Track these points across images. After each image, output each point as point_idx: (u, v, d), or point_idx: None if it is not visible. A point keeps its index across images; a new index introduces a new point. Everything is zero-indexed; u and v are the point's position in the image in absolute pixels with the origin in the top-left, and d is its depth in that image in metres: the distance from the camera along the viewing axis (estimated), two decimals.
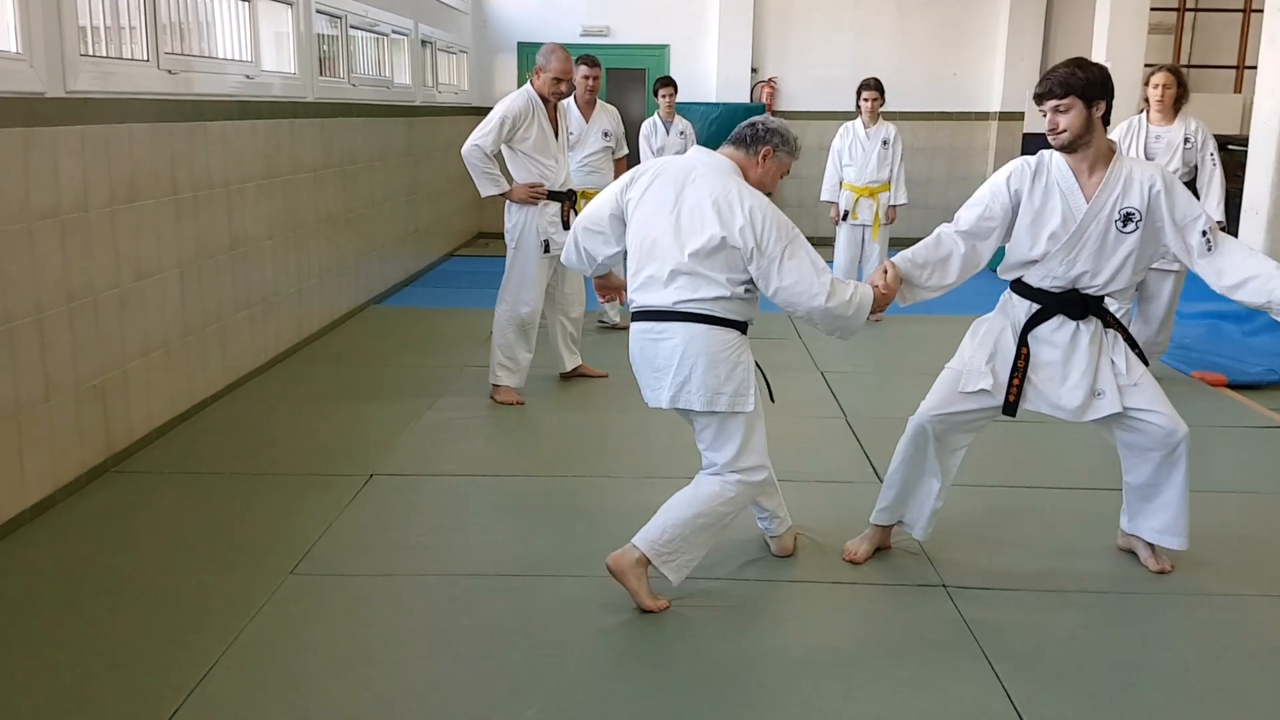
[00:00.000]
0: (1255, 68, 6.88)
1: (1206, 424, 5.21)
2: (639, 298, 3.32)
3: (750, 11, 11.48)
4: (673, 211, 3.23)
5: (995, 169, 11.61)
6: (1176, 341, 6.28)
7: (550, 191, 5.42)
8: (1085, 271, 3.33)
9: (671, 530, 3.25)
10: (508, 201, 5.42)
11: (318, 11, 6.95)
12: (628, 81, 11.69)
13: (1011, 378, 3.41)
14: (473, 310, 7.49)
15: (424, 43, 9.64)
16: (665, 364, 3.24)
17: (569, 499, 4.27)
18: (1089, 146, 3.27)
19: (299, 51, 6.66)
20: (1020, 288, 3.46)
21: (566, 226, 5.50)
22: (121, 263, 4.49)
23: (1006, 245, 3.47)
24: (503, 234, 5.52)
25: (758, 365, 3.34)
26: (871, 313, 3.29)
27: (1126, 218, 3.28)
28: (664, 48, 11.70)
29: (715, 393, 3.21)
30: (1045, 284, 3.39)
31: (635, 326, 3.35)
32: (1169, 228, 3.29)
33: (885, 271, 3.40)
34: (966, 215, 3.44)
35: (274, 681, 2.90)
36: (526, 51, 11.54)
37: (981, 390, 3.45)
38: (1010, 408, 3.44)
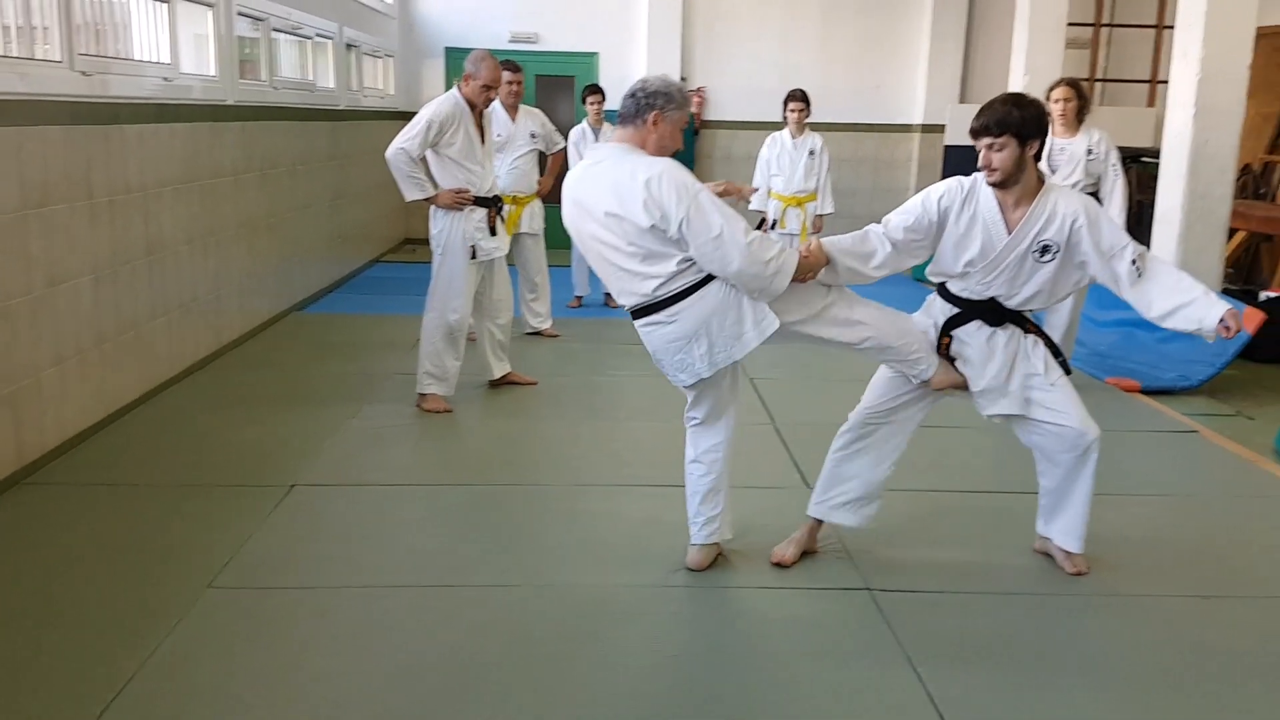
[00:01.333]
0: (1167, 82, 7.09)
1: (1121, 429, 5.35)
2: (623, 301, 3.42)
3: (679, 21, 11.53)
4: (594, 219, 3.29)
5: (919, 180, 11.90)
6: (1091, 348, 6.45)
7: (476, 198, 5.38)
8: (1001, 293, 3.47)
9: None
10: (433, 207, 5.37)
11: (239, 14, 6.83)
12: (557, 89, 11.68)
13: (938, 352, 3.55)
14: (399, 317, 7.40)
15: (349, 46, 9.52)
16: (681, 343, 3.32)
17: (498, 508, 4.24)
18: (1019, 183, 3.36)
19: (219, 54, 6.53)
20: (943, 292, 3.59)
21: (493, 232, 5.47)
22: (33, 269, 4.36)
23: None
24: (429, 240, 5.47)
25: None
26: (797, 278, 3.27)
27: (1044, 249, 3.38)
28: (593, 55, 11.71)
29: (739, 337, 3.28)
30: (965, 294, 3.52)
31: (636, 323, 3.42)
32: (1095, 259, 3.37)
33: (811, 243, 3.42)
34: (896, 222, 3.50)
35: (191, 697, 2.84)
36: (454, 56, 11.46)
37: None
38: (943, 350, 3.54)
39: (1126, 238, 3.40)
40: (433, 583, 3.53)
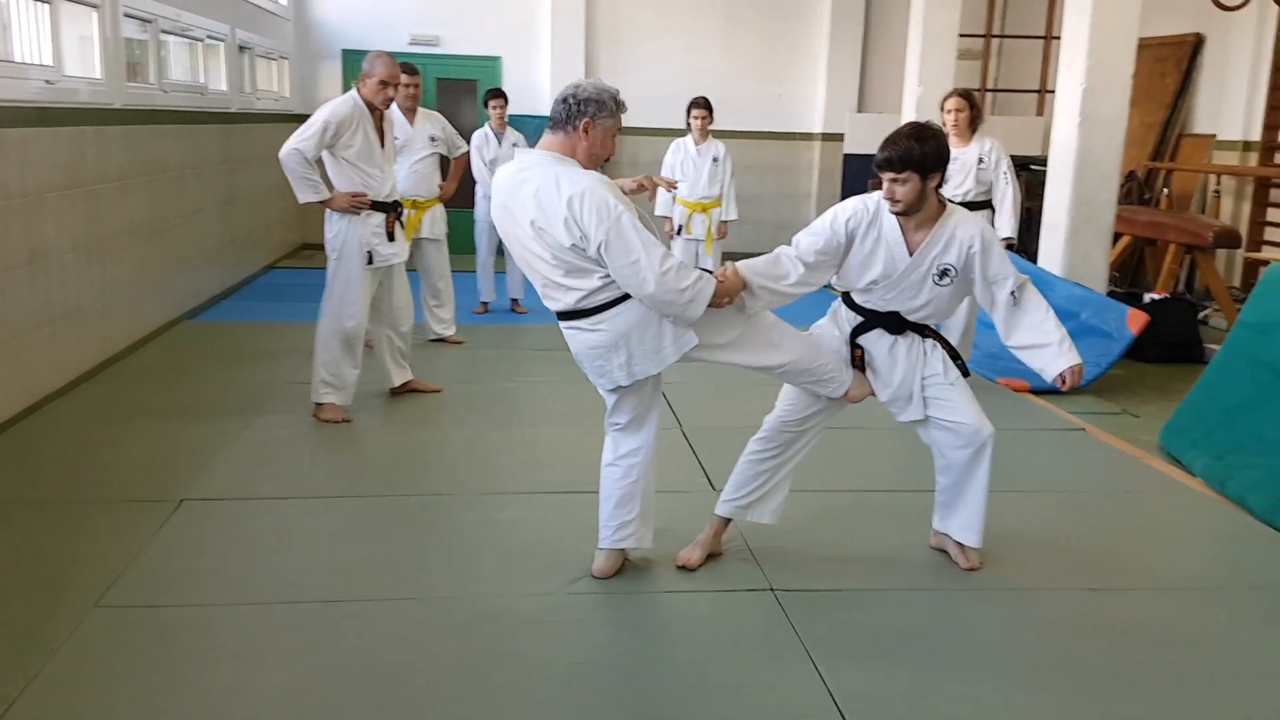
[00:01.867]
0: (1055, 92, 7.33)
1: (1011, 427, 5.49)
2: (548, 304, 3.40)
3: (582, 27, 11.53)
4: (520, 226, 3.28)
5: (820, 186, 12.09)
6: (983, 350, 6.61)
7: (374, 201, 5.28)
8: (901, 309, 3.61)
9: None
10: (329, 210, 5.26)
11: (126, 15, 6.60)
12: (459, 92, 11.57)
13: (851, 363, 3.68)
14: (295, 324, 7.22)
15: (241, 48, 9.29)
16: (601, 350, 3.33)
17: (398, 519, 4.16)
18: (920, 210, 3.47)
19: (105, 56, 6.31)
20: (848, 300, 3.71)
21: (392, 238, 5.38)
22: None
23: None
24: (325, 245, 5.35)
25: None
26: (714, 303, 3.29)
27: (943, 273, 3.52)
28: (496, 59, 11.63)
29: (657, 351, 3.32)
30: (868, 305, 3.65)
31: (561, 324, 3.42)
32: (980, 282, 3.54)
33: (726, 269, 3.44)
34: (806, 244, 3.55)
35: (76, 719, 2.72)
36: (351, 59, 11.27)
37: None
38: (857, 362, 3.67)
39: (1012, 269, 3.55)
40: (327, 598, 3.45)
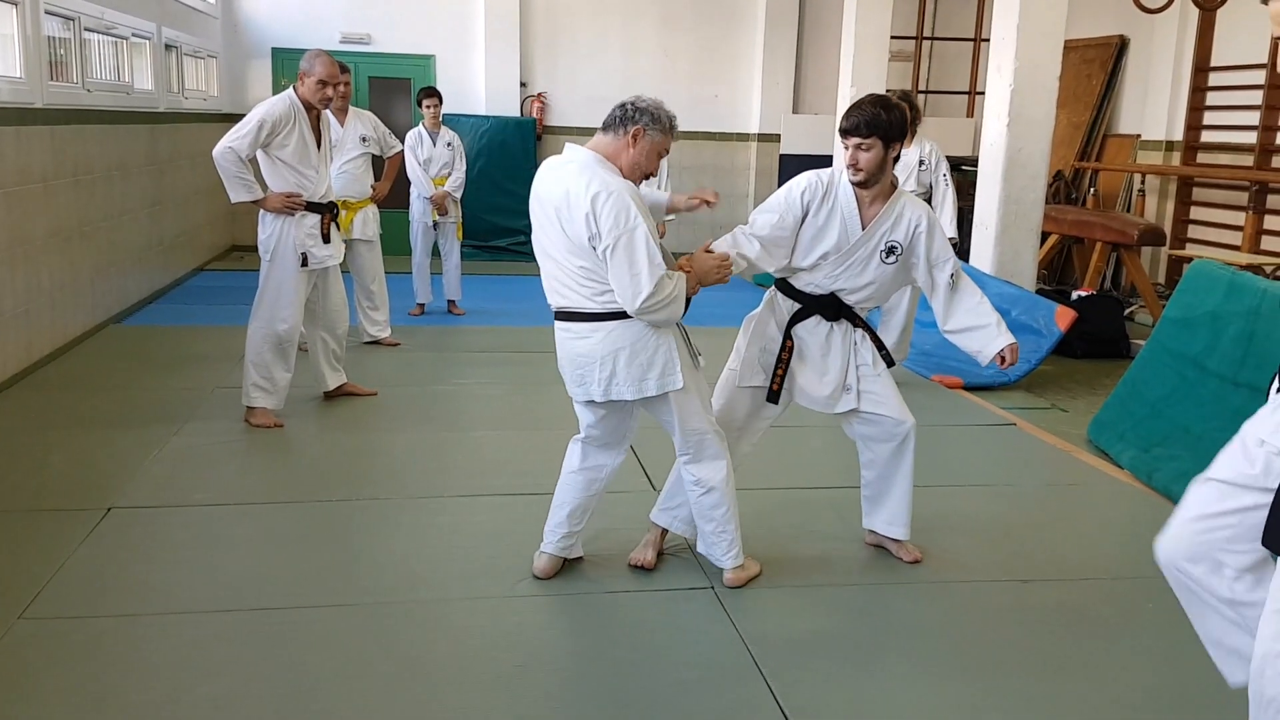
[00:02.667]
0: (984, 93, 7.45)
1: (945, 423, 5.58)
2: (552, 300, 3.37)
3: (516, 26, 11.46)
4: (546, 214, 3.29)
5: (756, 186, 12.16)
6: (918, 348, 6.70)
7: (309, 202, 5.20)
8: (845, 287, 3.64)
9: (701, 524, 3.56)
10: (262, 211, 5.17)
11: (47, 12, 6.43)
12: (392, 91, 11.45)
13: (776, 368, 3.69)
14: (225, 328, 7.09)
15: (168, 46, 9.09)
16: (587, 361, 3.31)
17: (333, 525, 4.10)
18: (878, 183, 3.54)
19: (26, 54, 6.13)
20: (785, 287, 3.73)
21: (326, 240, 5.30)
22: None
23: None
24: (258, 246, 5.26)
25: (684, 329, 3.40)
26: (689, 292, 3.29)
27: (890, 250, 3.59)
28: (429, 58, 11.53)
29: (641, 380, 3.30)
30: (808, 289, 3.68)
31: (556, 325, 3.38)
32: (922, 264, 3.63)
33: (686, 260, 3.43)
34: (763, 221, 3.60)
35: None
36: (281, 57, 11.10)
37: (755, 386, 3.72)
38: (773, 395, 3.70)
39: (951, 252, 3.65)
40: (260, 605, 3.38)
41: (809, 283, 3.66)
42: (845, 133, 3.47)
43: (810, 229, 3.59)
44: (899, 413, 3.70)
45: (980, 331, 3.62)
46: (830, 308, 3.67)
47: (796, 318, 3.69)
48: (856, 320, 3.71)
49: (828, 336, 3.69)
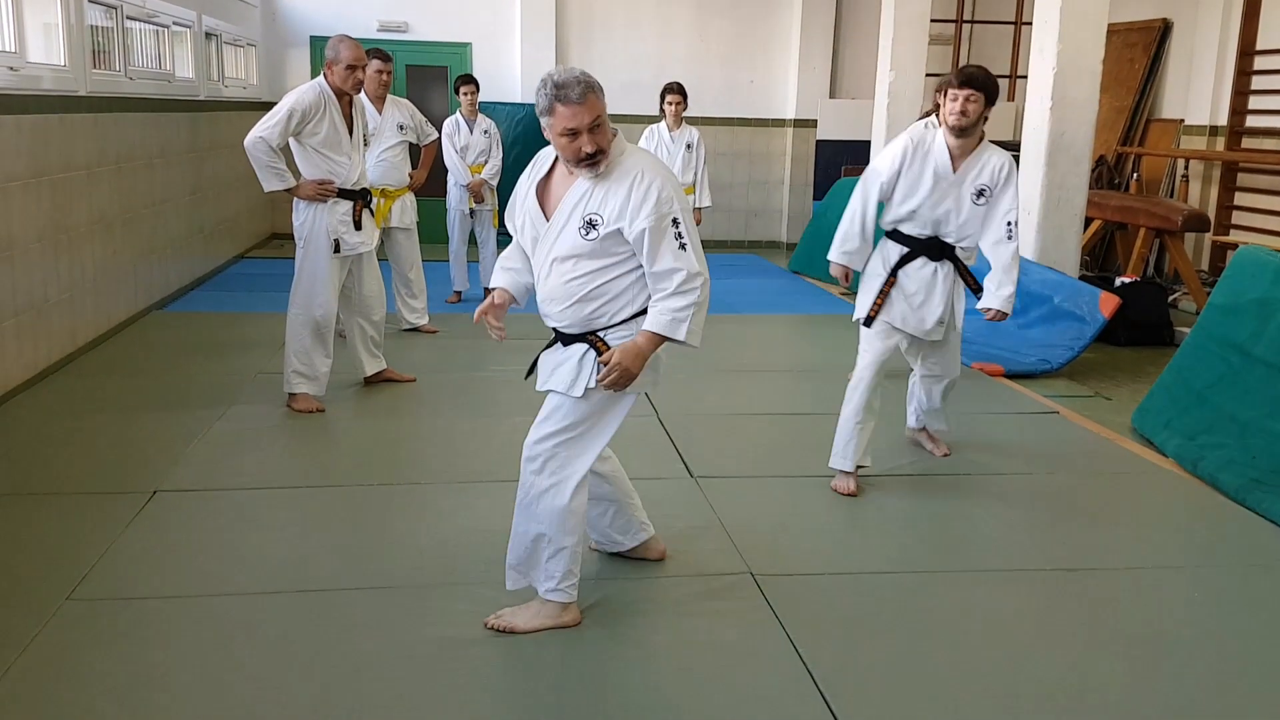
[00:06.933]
0: (1026, 77, 7.35)
1: (986, 411, 5.54)
2: None
3: (552, 13, 11.45)
4: None
5: (792, 173, 12.09)
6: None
7: (341, 189, 5.22)
8: (944, 224, 4.25)
9: None
10: (296, 198, 5.20)
11: (90, 1, 6.49)
12: (429, 79, 11.48)
13: (875, 299, 4.32)
14: (266, 314, 7.16)
15: (208, 35, 9.17)
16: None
17: (373, 509, 4.12)
18: (972, 135, 4.18)
19: (70, 43, 6.20)
20: (894, 235, 4.35)
21: (359, 226, 5.32)
22: None
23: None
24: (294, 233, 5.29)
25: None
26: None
27: (980, 192, 4.22)
28: (466, 46, 11.54)
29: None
30: (913, 232, 4.30)
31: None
32: (995, 207, 4.22)
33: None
34: (888, 176, 4.26)
35: (49, 715, 2.69)
36: (319, 45, 11.15)
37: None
38: (869, 320, 4.33)
39: (1015, 204, 4.23)
40: (303, 587, 3.41)
41: (912, 228, 4.28)
42: (963, 83, 4.07)
43: (906, 179, 4.22)
44: (955, 370, 4.60)
45: (992, 283, 4.29)
46: (935, 249, 4.28)
47: (904, 260, 4.29)
48: (959, 265, 4.30)
49: (933, 275, 4.29)
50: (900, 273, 4.30)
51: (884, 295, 4.31)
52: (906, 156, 4.23)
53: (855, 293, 4.55)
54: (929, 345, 4.52)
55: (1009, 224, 4.21)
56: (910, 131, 4.36)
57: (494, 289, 3.25)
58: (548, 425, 3.12)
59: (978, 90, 4.08)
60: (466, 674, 2.94)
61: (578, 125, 2.83)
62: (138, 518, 3.91)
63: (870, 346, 4.36)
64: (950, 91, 4.14)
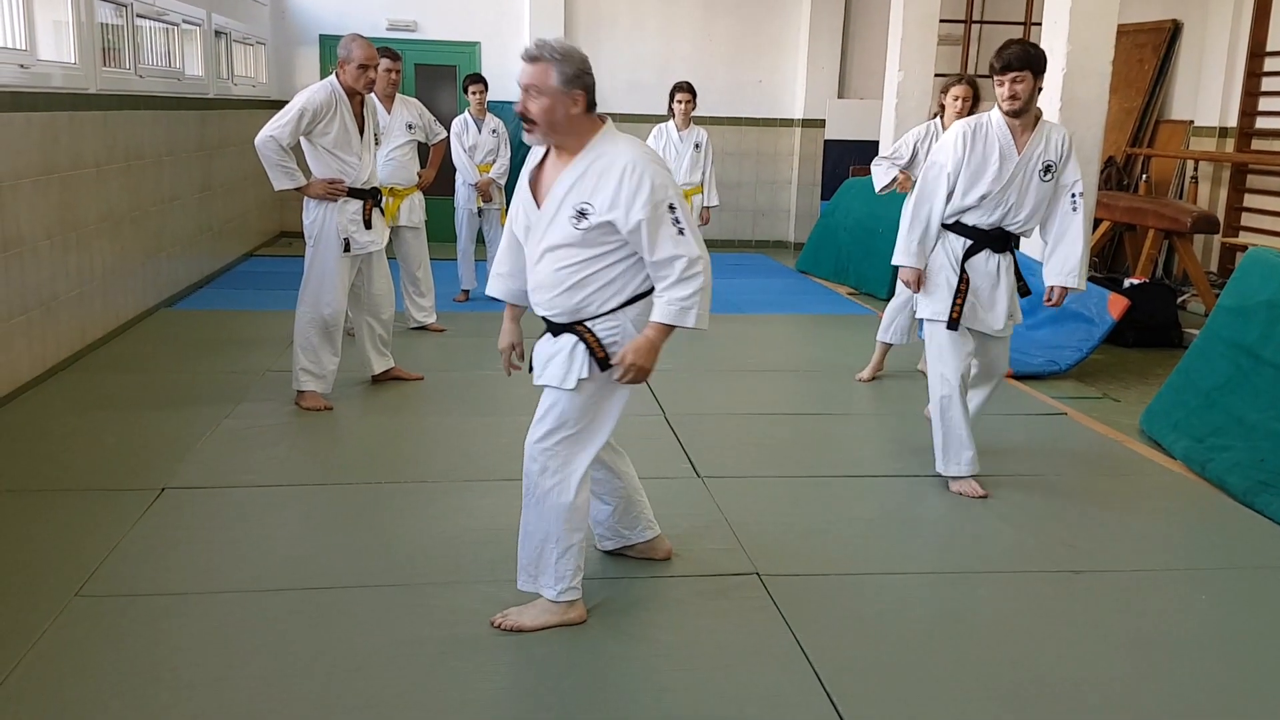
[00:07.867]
0: None
1: (994, 412, 5.51)
2: None
3: (561, 12, 11.46)
4: None
5: (800, 173, 12.08)
6: None
7: (351, 188, 5.24)
8: (1012, 209, 4.19)
9: None
10: (306, 197, 5.21)
11: None
12: (438, 78, 11.50)
13: (955, 299, 4.23)
14: (275, 312, 7.18)
15: (218, 33, 9.19)
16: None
17: (380, 507, 4.13)
18: (1028, 113, 4.13)
19: (79, 40, 6.22)
20: (957, 227, 4.27)
21: (369, 225, 5.34)
22: None
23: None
24: (304, 232, 5.31)
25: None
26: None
27: (1047, 168, 4.18)
28: (474, 45, 11.56)
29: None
30: (977, 222, 4.23)
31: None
32: (1062, 178, 4.20)
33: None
34: (950, 170, 4.20)
35: (57, 710, 2.70)
36: (329, 44, 11.18)
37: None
38: (953, 324, 4.24)
39: (1079, 175, 4.22)
40: (311, 585, 3.42)
41: (976, 218, 4.21)
42: (1003, 70, 4.02)
43: (967, 169, 4.16)
44: (1004, 366, 4.51)
45: (1058, 259, 4.23)
46: (999, 240, 4.23)
47: (969, 254, 4.22)
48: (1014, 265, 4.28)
49: (998, 268, 4.24)
50: (967, 267, 4.24)
51: (963, 295, 4.22)
52: (966, 144, 4.16)
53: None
54: (989, 342, 4.41)
55: (1074, 195, 4.19)
56: (961, 122, 4.29)
57: (497, 298, 3.29)
58: (545, 424, 3.14)
59: (1020, 70, 4.03)
60: (471, 671, 2.95)
61: (520, 82, 2.92)
62: (146, 514, 3.92)
63: (950, 355, 4.26)
64: (995, 79, 4.11)
